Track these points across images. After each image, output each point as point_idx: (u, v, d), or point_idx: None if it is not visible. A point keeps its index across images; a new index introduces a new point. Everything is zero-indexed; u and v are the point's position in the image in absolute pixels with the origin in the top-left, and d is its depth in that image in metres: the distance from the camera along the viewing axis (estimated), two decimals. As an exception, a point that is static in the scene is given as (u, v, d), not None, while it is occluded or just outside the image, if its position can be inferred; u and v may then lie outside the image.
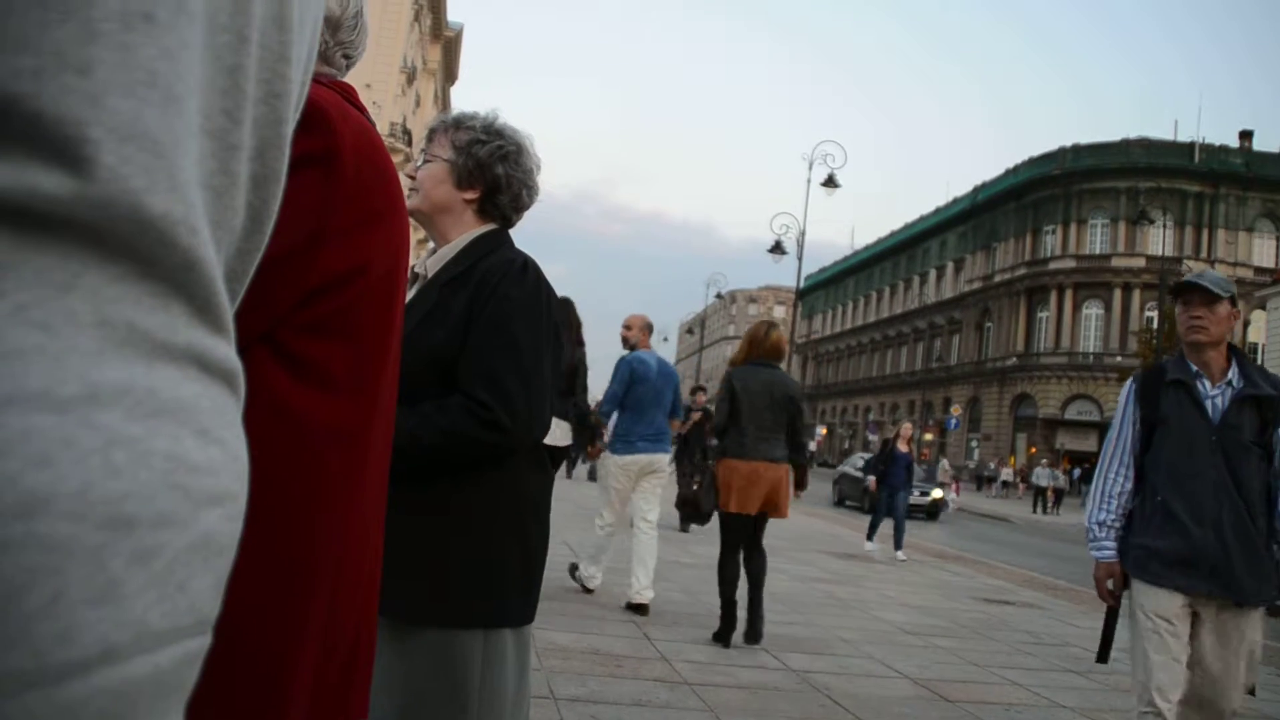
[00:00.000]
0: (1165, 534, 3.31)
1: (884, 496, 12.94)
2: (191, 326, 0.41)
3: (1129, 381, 3.65)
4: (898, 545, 12.53)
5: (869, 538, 12.90)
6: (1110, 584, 3.48)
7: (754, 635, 5.94)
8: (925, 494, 24.50)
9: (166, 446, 0.38)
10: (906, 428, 13.92)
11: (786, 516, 6.37)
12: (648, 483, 7.15)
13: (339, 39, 1.43)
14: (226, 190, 0.45)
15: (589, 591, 7.10)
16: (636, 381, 7.01)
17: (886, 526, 12.75)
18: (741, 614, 5.99)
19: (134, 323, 0.38)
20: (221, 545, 0.42)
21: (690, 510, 6.47)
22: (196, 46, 0.40)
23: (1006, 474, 47.27)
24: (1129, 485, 3.49)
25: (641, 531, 6.93)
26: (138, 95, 0.37)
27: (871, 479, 13.91)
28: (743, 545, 6.12)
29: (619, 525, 7.15)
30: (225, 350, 0.44)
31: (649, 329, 7.42)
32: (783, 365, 6.57)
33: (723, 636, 5.95)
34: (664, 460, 7.22)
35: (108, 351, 0.37)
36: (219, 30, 0.42)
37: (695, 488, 6.44)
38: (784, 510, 6.14)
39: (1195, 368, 3.40)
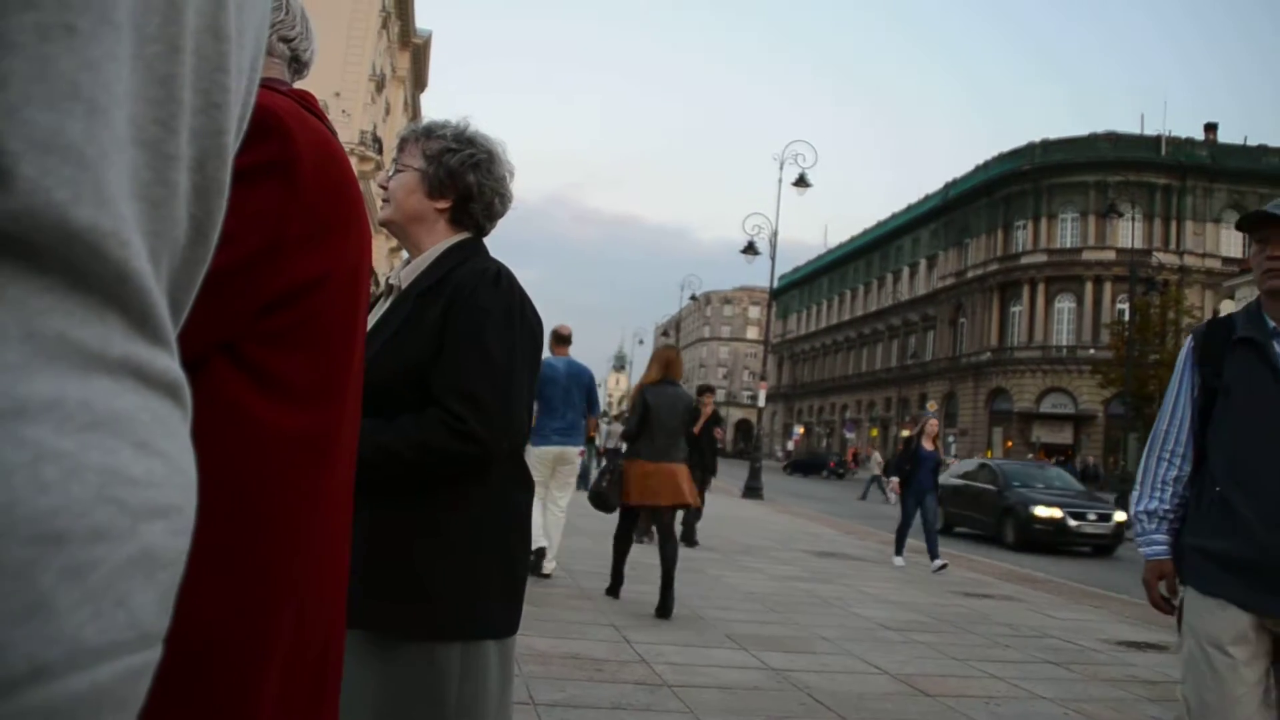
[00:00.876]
0: (1224, 534, 2.56)
1: (910, 502, 11.58)
2: (129, 339, 0.41)
3: (1188, 339, 2.90)
4: (933, 555, 11.28)
5: (897, 552, 11.73)
6: (1163, 587, 2.76)
7: (664, 611, 6.76)
8: (1105, 517, 16.17)
9: (101, 460, 0.37)
10: (932, 424, 12.11)
11: (695, 504, 7.81)
12: (561, 472, 8.17)
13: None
14: (165, 201, 0.44)
15: (545, 576, 7.84)
16: (544, 383, 7.82)
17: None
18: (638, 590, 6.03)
19: (65, 335, 0.37)
20: (166, 559, 0.41)
21: (599, 503, 7.44)
22: (124, 58, 0.40)
23: None
24: (1186, 470, 2.76)
25: (551, 514, 8.04)
26: (58, 108, 0.36)
27: (894, 481, 12.42)
28: (656, 530, 7.47)
29: (540, 501, 7.84)
30: (166, 362, 0.43)
31: (557, 338, 8.52)
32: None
33: (613, 591, 7.34)
34: (574, 452, 8.23)
35: (36, 365, 0.36)
36: (148, 40, 0.42)
37: (605, 484, 7.32)
38: (689, 498, 7.28)
39: (1273, 323, 2.63)
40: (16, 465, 0.34)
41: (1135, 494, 2.88)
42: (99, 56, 0.38)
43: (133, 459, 0.39)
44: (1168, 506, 2.77)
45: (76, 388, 0.37)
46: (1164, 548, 2.77)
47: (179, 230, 0.46)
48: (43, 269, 0.37)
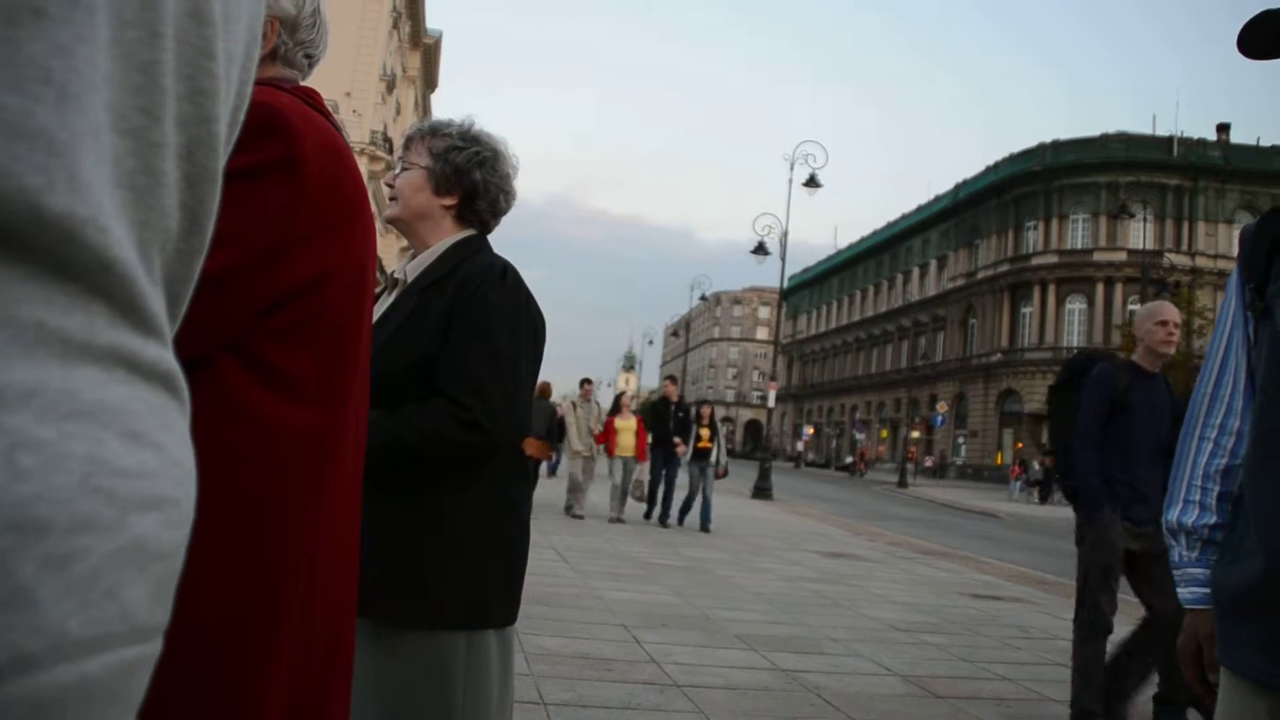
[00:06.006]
0: (1242, 554, 1.52)
1: None
2: (116, 328, 0.40)
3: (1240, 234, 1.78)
4: None
5: None
6: (1206, 651, 1.67)
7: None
8: None
9: (85, 450, 0.37)
10: None
11: (546, 457, 13.95)
12: None
13: (298, 39, 1.43)
14: (150, 190, 0.43)
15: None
16: None
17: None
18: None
19: (44, 322, 0.36)
20: (160, 551, 0.40)
21: None
22: (99, 42, 0.39)
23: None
24: (1241, 446, 1.67)
25: None
26: (27, 92, 0.35)
27: None
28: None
29: None
30: (157, 351, 0.42)
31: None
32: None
33: None
34: None
35: (14, 353, 0.35)
36: (126, 25, 0.41)
37: None
38: (544, 454, 13.82)
39: None
40: None
41: (1169, 493, 1.79)
42: (70, 41, 0.37)
43: (122, 450, 0.39)
44: (1212, 517, 1.69)
45: (58, 376, 0.36)
46: (1203, 590, 1.68)
47: (170, 220, 0.45)
48: (21, 257, 0.36)
